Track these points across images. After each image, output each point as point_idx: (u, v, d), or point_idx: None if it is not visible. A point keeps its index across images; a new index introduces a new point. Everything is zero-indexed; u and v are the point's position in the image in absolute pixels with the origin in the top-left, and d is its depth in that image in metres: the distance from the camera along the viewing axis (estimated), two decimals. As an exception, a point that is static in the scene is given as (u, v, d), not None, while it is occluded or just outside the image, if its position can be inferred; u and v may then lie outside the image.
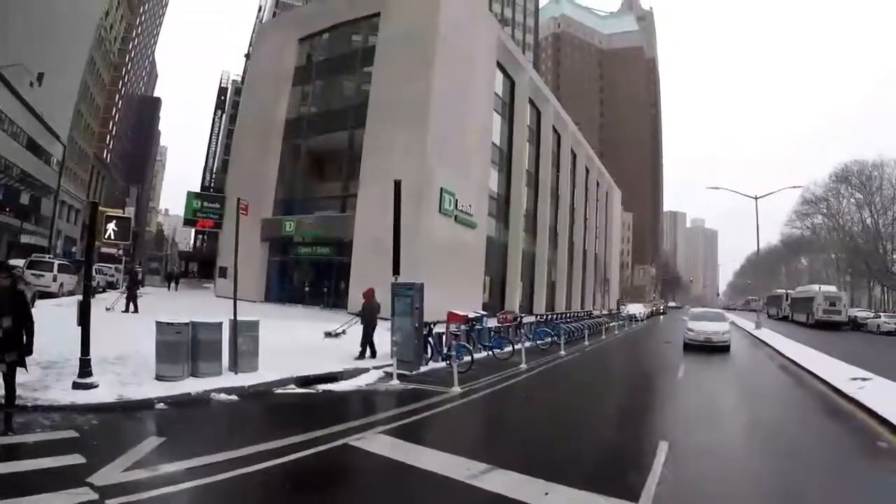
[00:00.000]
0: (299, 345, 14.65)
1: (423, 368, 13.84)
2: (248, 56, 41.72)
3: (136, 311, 20.24)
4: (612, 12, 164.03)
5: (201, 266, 63.69)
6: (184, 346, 9.50)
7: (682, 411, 11.04)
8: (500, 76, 37.48)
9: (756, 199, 39.39)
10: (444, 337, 15.89)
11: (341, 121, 31.48)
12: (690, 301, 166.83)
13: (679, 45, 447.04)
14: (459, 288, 30.04)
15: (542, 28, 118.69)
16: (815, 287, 49.59)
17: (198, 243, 78.15)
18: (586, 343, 23.70)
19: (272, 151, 32.92)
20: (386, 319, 14.90)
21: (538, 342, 20.60)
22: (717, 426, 9.63)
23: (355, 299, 26.92)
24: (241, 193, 31.79)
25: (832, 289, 49.70)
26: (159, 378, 9.24)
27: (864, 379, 13.59)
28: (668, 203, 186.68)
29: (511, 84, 39.98)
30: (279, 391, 10.24)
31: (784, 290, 64.59)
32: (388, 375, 12.49)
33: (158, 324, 9.45)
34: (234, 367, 10.33)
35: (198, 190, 57.69)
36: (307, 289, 31.37)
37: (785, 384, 15.26)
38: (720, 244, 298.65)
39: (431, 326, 15.36)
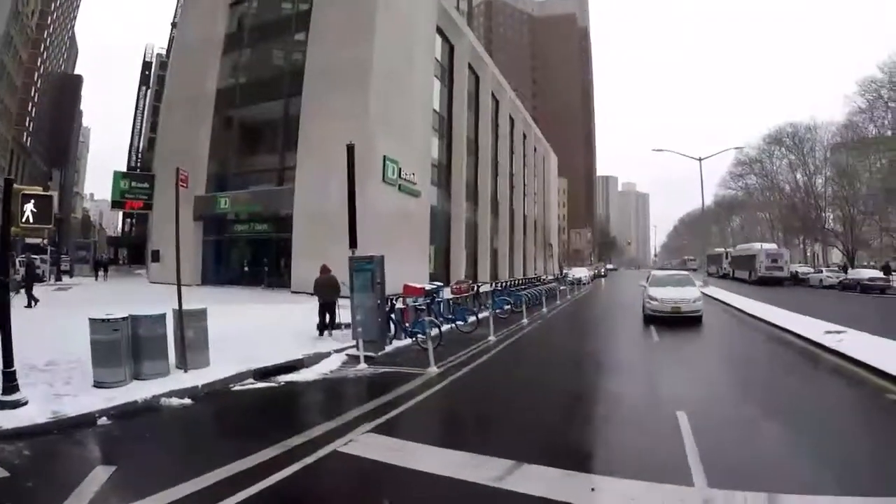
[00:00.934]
0: (246, 330, 13.38)
1: (387, 348, 12.96)
2: (174, 24, 38.85)
3: (34, 304, 19.17)
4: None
5: (131, 251, 60.92)
6: (123, 345, 8.22)
7: (679, 378, 10.54)
8: (439, 41, 36.19)
9: (700, 160, 39.99)
10: (405, 312, 14.93)
11: (276, 89, 29.69)
12: (625, 263, 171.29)
13: (611, 11, 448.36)
14: (406, 260, 29.10)
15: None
16: (757, 245, 51.36)
17: (126, 227, 74.95)
18: (544, 310, 23.15)
19: (203, 124, 30.71)
20: (344, 297, 13.95)
21: (497, 311, 19.98)
22: (721, 391, 9.41)
23: (298, 277, 25.82)
24: (171, 170, 30.00)
25: (773, 246, 51.44)
26: (98, 385, 7.99)
27: (838, 332, 13.83)
28: (601, 168, 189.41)
29: (450, 49, 38.80)
30: (237, 388, 9.12)
31: (723, 249, 66.50)
32: (353, 359, 11.61)
33: (92, 321, 8.14)
34: (183, 363, 9.14)
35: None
36: (246, 269, 29.84)
37: (764, 341, 15.17)
38: (651, 208, 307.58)
39: (393, 302, 14.38)
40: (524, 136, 62.89)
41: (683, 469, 5.29)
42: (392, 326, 13.91)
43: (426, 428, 7.42)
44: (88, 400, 7.37)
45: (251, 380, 9.57)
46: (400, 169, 28.28)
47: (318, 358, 11.44)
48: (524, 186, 62.44)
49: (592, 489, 4.94)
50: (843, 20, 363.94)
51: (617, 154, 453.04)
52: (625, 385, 10.03)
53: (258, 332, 13.65)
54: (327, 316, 14.38)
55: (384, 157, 26.98)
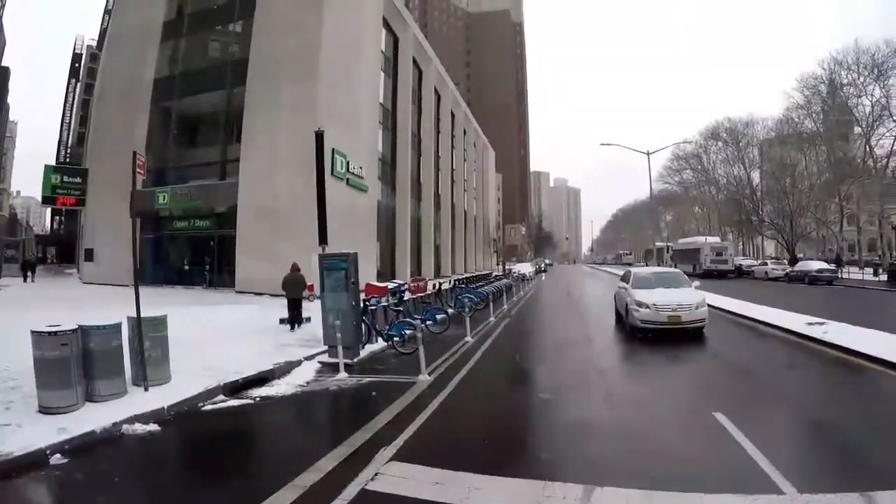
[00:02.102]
0: (199, 336, 12.07)
1: (362, 353, 11.89)
2: (108, 12, 36.19)
3: None
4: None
5: (60, 250, 57.57)
6: (74, 363, 6.93)
7: (690, 375, 10.17)
8: (384, 32, 35.10)
9: (648, 154, 40.37)
10: (374, 313, 13.87)
11: (218, 79, 27.87)
12: (558, 258, 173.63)
13: (545, 7, 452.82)
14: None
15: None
16: (701, 238, 52.63)
17: (55, 225, 71.71)
18: (505, 307, 22.55)
19: (139, 116, 28.57)
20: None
21: (461, 309, 19.16)
22: (743, 388, 9.12)
23: (243, 276, 24.44)
24: (105, 164, 28.00)
25: (717, 240, 52.73)
26: (45, 410, 6.71)
27: (819, 324, 13.96)
28: (533, 164, 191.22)
29: (395, 41, 37.80)
30: (208, 407, 7.91)
31: (664, 243, 67.77)
32: (328, 367, 10.69)
33: (35, 335, 6.82)
34: (143, 380, 7.88)
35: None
36: (186, 267, 28.03)
37: (749, 335, 14.76)
38: (583, 203, 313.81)
39: (366, 303, 13.30)
40: (464, 132, 62.58)
41: (761, 476, 5.01)
42: (365, 330, 12.82)
43: (457, 450, 6.29)
44: (35, 431, 6.05)
45: (221, 396, 8.39)
46: (348, 163, 27.14)
47: (288, 367, 10.36)
48: (465, 182, 62.18)
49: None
50: (788, 20, 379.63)
51: (549, 150, 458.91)
52: (636, 384, 9.54)
53: (213, 337, 12.42)
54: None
55: (333, 150, 25.71)
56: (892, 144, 47.10)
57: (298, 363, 10.72)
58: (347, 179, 27.38)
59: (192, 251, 28.57)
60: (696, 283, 14.58)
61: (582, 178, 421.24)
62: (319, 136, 13.27)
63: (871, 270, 39.46)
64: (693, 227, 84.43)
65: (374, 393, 8.95)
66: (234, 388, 8.75)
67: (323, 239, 13.05)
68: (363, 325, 12.54)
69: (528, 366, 11.73)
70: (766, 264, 47.30)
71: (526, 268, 54.53)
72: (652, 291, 13.88)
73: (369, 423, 7.01)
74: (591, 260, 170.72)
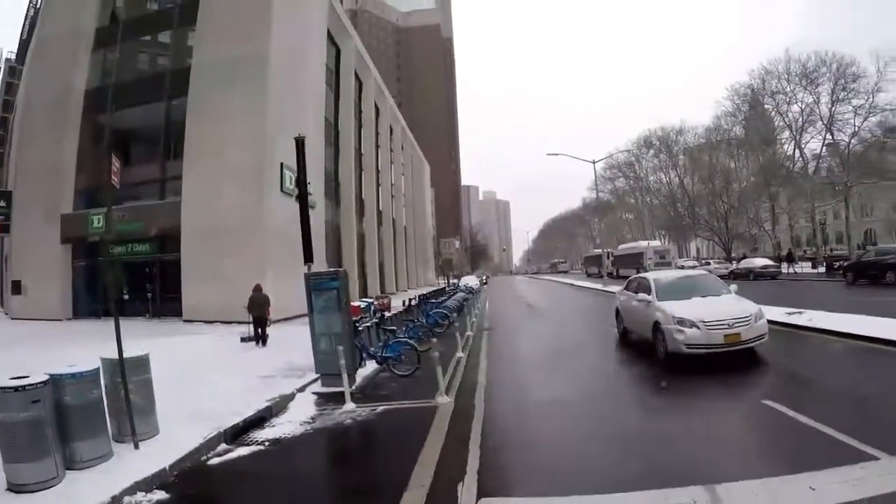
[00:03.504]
0: (166, 374, 10.56)
1: (358, 380, 10.84)
2: (30, 21, 33.38)
3: None
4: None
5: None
6: (48, 425, 5.53)
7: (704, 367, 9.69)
8: (327, 44, 33.99)
9: (594, 162, 40.86)
10: (363, 335, 12.77)
11: (156, 90, 25.80)
12: (491, 270, 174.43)
13: (475, 23, 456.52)
14: (298, 280, 26.83)
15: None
16: (644, 243, 54.24)
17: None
18: (474, 319, 21.70)
19: (69, 132, 26.00)
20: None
21: (433, 326, 18.27)
22: (773, 376, 9.39)
23: (191, 303, 22.69)
24: (29, 185, 25.52)
25: (658, 243, 54.08)
26: (17, 489, 5.31)
27: (798, 313, 14.43)
28: (463, 177, 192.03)
29: (337, 52, 36.71)
30: (215, 461, 6.64)
31: (603, 250, 68.77)
32: (326, 397, 9.68)
33: None
34: (131, 435, 6.51)
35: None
36: (126, 297, 25.48)
37: None
38: (512, 215, 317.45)
39: (356, 325, 12.21)
40: (402, 146, 62.03)
41: (845, 447, 5.33)
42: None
43: (541, 474, 5.57)
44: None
45: (224, 445, 7.15)
46: (292, 177, 25.82)
47: (283, 402, 9.20)
48: (403, 197, 61.51)
49: (812, 488, 4.49)
50: (721, 34, 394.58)
51: (477, 164, 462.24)
52: (662, 383, 9.13)
53: (182, 374, 10.94)
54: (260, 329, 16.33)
55: (282, 164, 24.37)
56: (821, 147, 49.70)
57: (292, 397, 9.56)
58: (297, 195, 26.09)
59: (131, 279, 25.96)
60: (734, 286, 11.91)
61: (510, 191, 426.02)
62: (301, 143, 12.19)
63: (808, 264, 41.50)
64: (626, 234, 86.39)
65: (397, 423, 8.12)
66: (235, 434, 7.54)
67: (308, 257, 11.89)
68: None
69: (544, 377, 10.99)
70: (708, 263, 48.63)
71: (472, 280, 54.31)
72: (689, 303, 10.69)
73: (419, 457, 6.06)
74: (526, 270, 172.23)
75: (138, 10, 28.66)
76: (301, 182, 11.95)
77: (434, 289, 40.64)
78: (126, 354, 6.82)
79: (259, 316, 16.53)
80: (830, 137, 47.08)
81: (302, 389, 10.07)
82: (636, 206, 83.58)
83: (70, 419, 5.89)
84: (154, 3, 28.49)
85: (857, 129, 44.80)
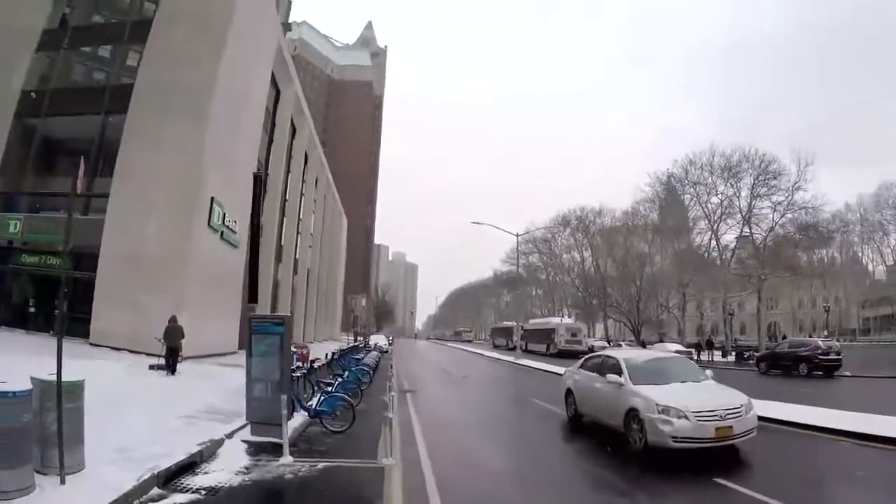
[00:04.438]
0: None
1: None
2: None
3: None
4: (348, 44, 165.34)
5: None
6: None
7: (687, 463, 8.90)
8: (269, 86, 33.66)
9: (518, 235, 41.61)
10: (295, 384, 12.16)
11: (95, 103, 24.46)
12: (395, 332, 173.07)
13: (403, 83, 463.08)
14: (221, 319, 25.71)
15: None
16: (556, 319, 54.54)
17: None
18: (393, 380, 21.12)
19: None
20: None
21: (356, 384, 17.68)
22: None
23: (100, 328, 21.23)
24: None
25: (571, 321, 54.75)
26: None
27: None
28: (376, 235, 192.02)
29: (277, 95, 36.34)
30: None
31: (513, 322, 69.33)
32: (256, 447, 9.15)
33: None
34: (59, 468, 5.82)
35: None
36: (32, 310, 23.50)
37: None
38: (420, 278, 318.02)
39: (293, 374, 11.61)
40: (325, 197, 61.49)
41: None
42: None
43: None
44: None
45: (157, 489, 6.52)
46: (224, 214, 25.00)
47: (213, 447, 8.57)
48: (320, 248, 60.56)
49: None
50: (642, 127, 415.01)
51: (389, 224, 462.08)
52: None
53: (97, 404, 10.00)
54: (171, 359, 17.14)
55: (213, 199, 23.62)
56: (736, 239, 52.33)
57: (221, 442, 8.91)
58: (222, 233, 25.18)
59: (40, 291, 24.11)
60: (710, 371, 11.00)
61: (419, 255, 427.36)
62: (258, 180, 11.80)
63: (718, 352, 42.94)
64: (533, 310, 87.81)
65: (343, 483, 7.65)
66: (168, 478, 6.91)
67: (253, 297, 11.35)
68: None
69: (487, 448, 10.71)
70: (619, 345, 49.61)
71: (381, 340, 53.86)
72: (671, 390, 9.72)
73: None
74: (429, 336, 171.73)
75: (90, 18, 27.55)
76: (255, 221, 11.51)
77: (346, 344, 39.67)
78: (71, 379, 6.21)
79: (173, 346, 17.38)
80: (748, 230, 49.30)
81: (230, 436, 9.42)
82: (547, 282, 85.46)
83: None
84: (106, 14, 27.38)
85: (774, 224, 46.97)
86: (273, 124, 36.09)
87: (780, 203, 46.78)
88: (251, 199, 31.73)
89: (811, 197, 45.58)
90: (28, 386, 5.65)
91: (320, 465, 8.30)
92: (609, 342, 57.07)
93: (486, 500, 7.38)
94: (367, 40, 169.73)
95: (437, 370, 31.72)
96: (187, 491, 6.71)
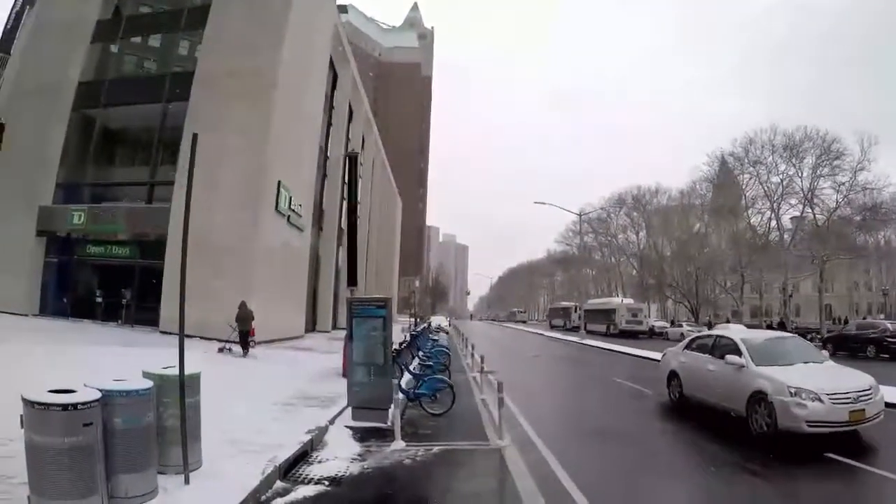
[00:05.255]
0: None
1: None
2: (30, 1, 31.82)
3: None
4: (395, 26, 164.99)
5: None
6: (98, 454, 4.49)
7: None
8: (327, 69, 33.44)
9: (580, 215, 40.69)
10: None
11: (155, 91, 24.52)
12: (446, 312, 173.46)
13: (454, 64, 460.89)
14: (288, 303, 25.78)
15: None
16: (616, 299, 53.74)
17: None
18: (467, 360, 21.15)
19: (57, 121, 24.43)
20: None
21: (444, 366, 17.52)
22: None
23: (171, 315, 21.32)
24: (9, 173, 23.97)
25: (631, 301, 53.87)
26: None
27: None
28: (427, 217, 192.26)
29: (334, 78, 36.09)
30: (278, 502, 5.71)
31: (572, 303, 68.49)
32: (362, 432, 8.83)
33: (35, 409, 4.25)
34: (183, 466, 5.45)
35: None
36: (99, 300, 23.77)
37: None
38: (470, 260, 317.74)
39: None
40: (380, 179, 61.53)
41: None
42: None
43: None
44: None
45: (280, 482, 6.18)
46: (291, 198, 24.92)
47: (320, 434, 8.25)
48: (378, 231, 60.73)
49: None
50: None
51: (440, 205, 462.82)
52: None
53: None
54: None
55: (279, 183, 23.52)
56: (798, 220, 50.65)
57: (326, 430, 8.56)
58: (289, 217, 25.13)
59: (107, 282, 24.41)
60: (825, 352, 10.70)
61: (470, 237, 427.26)
62: (353, 159, 11.31)
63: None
64: (589, 290, 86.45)
65: (463, 466, 7.43)
66: (286, 469, 6.58)
67: (352, 280, 11.02)
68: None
69: (589, 421, 10.65)
70: (681, 326, 48.53)
71: (442, 320, 53.94)
72: (798, 371, 9.15)
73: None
74: (485, 316, 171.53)
75: (144, 6, 27.76)
76: (352, 203, 11.06)
77: (408, 326, 39.51)
78: (189, 371, 5.88)
79: (245, 330, 18.16)
80: (809, 211, 47.86)
81: (332, 421, 9.08)
82: (603, 262, 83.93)
83: (117, 446, 4.82)
84: (161, 2, 27.49)
85: (837, 204, 45.57)
86: (331, 107, 35.90)
87: (842, 184, 45.25)
88: (318, 182, 32.63)
89: (874, 178, 43.95)
90: (149, 383, 5.30)
91: (435, 449, 7.97)
92: (672, 323, 55.64)
93: (620, 482, 6.97)
94: (413, 22, 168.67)
95: (504, 350, 31.30)
96: (309, 482, 6.36)
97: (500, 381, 8.84)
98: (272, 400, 10.30)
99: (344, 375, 13.64)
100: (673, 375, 12.18)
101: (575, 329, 58.28)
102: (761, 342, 10.43)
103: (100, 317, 23.26)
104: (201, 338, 19.11)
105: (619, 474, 7.35)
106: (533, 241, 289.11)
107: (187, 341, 19.05)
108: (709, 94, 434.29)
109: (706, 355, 11.09)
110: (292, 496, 5.88)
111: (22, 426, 4.33)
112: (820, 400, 8.23)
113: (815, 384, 8.48)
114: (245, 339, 18.19)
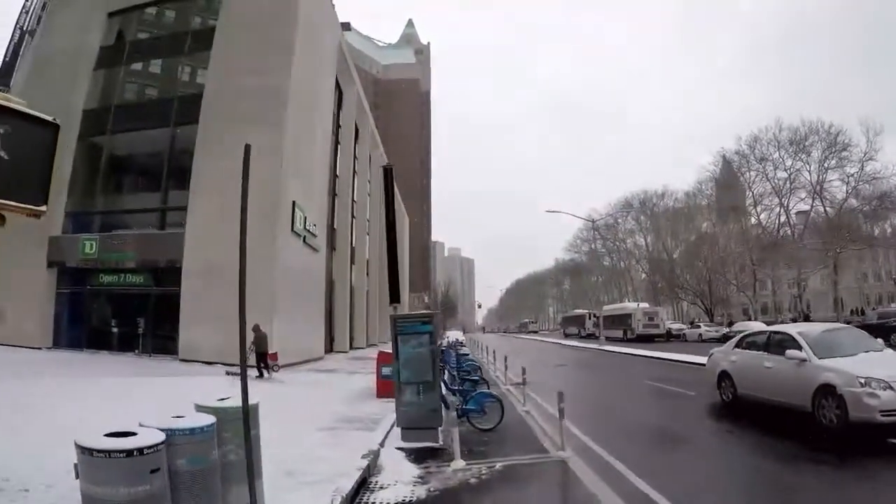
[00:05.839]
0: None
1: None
2: (24, 31, 31.83)
3: None
4: (391, 43, 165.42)
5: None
6: (165, 501, 3.99)
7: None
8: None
9: (594, 222, 40.45)
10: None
11: (162, 116, 24.25)
12: (456, 325, 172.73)
13: (452, 79, 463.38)
14: (308, 324, 25.45)
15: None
16: (632, 304, 53.50)
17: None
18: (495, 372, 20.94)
19: (62, 150, 23.89)
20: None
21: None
22: None
23: (189, 343, 21.05)
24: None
25: (647, 305, 53.55)
26: None
27: None
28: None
29: (339, 96, 35.95)
30: None
31: (585, 311, 68.24)
32: (414, 453, 8.47)
33: (87, 452, 3.73)
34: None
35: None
36: (115, 330, 23.41)
37: None
38: (476, 273, 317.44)
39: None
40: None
41: None
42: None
43: None
44: None
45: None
46: (306, 218, 24.64)
47: (374, 458, 7.82)
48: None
49: None
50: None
51: (444, 220, 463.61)
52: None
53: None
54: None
55: (294, 203, 23.26)
56: (796, 214, 50.53)
57: (377, 453, 8.14)
58: (304, 237, 24.83)
59: (121, 311, 24.03)
60: (880, 340, 10.69)
61: (475, 250, 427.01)
62: (388, 171, 10.96)
63: None
64: (600, 296, 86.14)
65: (537, 481, 7.16)
66: (350, 499, 6.20)
67: (395, 297, 10.61)
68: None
69: (643, 427, 10.46)
70: (699, 327, 48.20)
71: (458, 334, 53.81)
72: (864, 361, 9.04)
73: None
74: (496, 328, 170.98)
75: (148, 31, 27.39)
76: (390, 217, 10.70)
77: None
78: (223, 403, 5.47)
79: (262, 352, 17.94)
80: (819, 204, 47.77)
81: (381, 444, 8.71)
82: (612, 268, 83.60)
83: (181, 491, 4.28)
84: (167, 26, 27.19)
85: (847, 195, 45.50)
86: (338, 126, 35.71)
87: (851, 175, 45.63)
88: (328, 203, 32.36)
89: (881, 167, 44.48)
90: (211, 418, 4.88)
91: (498, 466, 7.61)
92: (691, 324, 55.20)
93: (703, 486, 6.68)
94: (409, 38, 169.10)
95: (527, 361, 30.55)
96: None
97: (560, 392, 8.40)
98: (315, 425, 9.90)
99: (379, 396, 13.38)
100: (724, 376, 11.90)
101: (590, 336, 58.04)
102: (819, 335, 10.25)
103: (115, 347, 22.87)
104: (224, 364, 18.80)
105: (700, 478, 7.06)
106: (538, 251, 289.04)
107: (211, 368, 18.54)
108: (711, 92, 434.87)
109: (761, 352, 10.91)
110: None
111: (77, 477, 3.82)
112: (892, 388, 8.09)
113: (885, 373, 8.34)
114: (263, 360, 18.01)
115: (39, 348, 22.39)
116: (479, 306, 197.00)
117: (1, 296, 22.39)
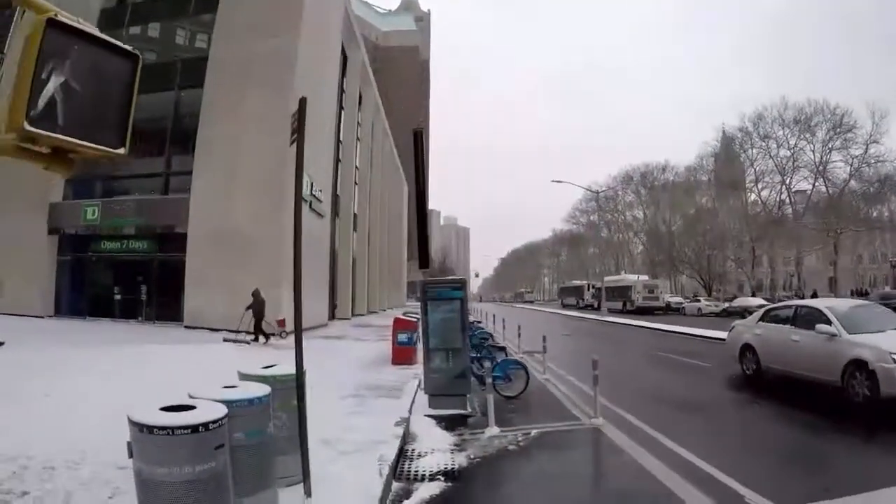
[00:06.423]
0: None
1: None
2: None
3: None
4: (391, 10, 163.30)
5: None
6: (228, 477, 3.69)
7: None
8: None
9: (597, 193, 40.25)
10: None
11: (165, 79, 23.61)
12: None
13: (452, 48, 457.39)
14: (313, 291, 25.22)
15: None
16: (632, 276, 53.84)
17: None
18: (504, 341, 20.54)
19: None
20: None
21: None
22: None
23: (194, 310, 20.91)
24: (15, 170, 23.39)
25: (647, 278, 53.79)
26: None
27: None
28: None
29: (344, 60, 35.33)
30: None
31: (584, 282, 68.49)
32: (445, 420, 8.42)
33: (145, 430, 3.39)
34: (303, 479, 4.74)
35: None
36: (118, 297, 23.23)
37: None
38: (472, 241, 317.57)
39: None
40: (388, 166, 60.95)
41: None
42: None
43: None
44: None
45: (396, 483, 5.73)
46: (312, 184, 24.30)
47: (406, 426, 7.76)
48: (388, 218, 60.30)
49: None
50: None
51: (440, 189, 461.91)
52: None
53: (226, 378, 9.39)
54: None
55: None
56: (795, 193, 50.48)
57: (408, 421, 8.05)
58: (311, 203, 24.53)
59: (124, 278, 23.79)
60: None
61: (470, 220, 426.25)
62: (419, 135, 10.70)
63: None
64: (596, 267, 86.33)
65: (575, 448, 7.33)
66: (395, 463, 6.16)
67: (424, 262, 10.49)
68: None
69: (668, 396, 10.39)
70: (698, 301, 48.44)
71: None
72: (892, 337, 8.92)
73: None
74: (493, 297, 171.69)
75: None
76: (420, 182, 10.50)
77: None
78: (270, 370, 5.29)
79: (261, 318, 18.03)
80: (822, 184, 47.83)
81: (410, 411, 8.64)
82: (610, 240, 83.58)
83: (240, 466, 3.99)
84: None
85: (850, 176, 45.58)
86: (342, 91, 35.16)
87: (855, 157, 45.79)
88: (333, 169, 31.97)
89: (885, 150, 44.75)
90: (266, 388, 4.64)
91: (533, 433, 7.62)
92: (693, 296, 55.44)
93: (742, 453, 6.77)
94: (409, 4, 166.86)
95: (532, 330, 30.78)
96: (423, 479, 5.88)
97: (595, 359, 8.29)
98: (337, 393, 9.76)
99: (394, 363, 13.33)
100: (746, 349, 11.92)
101: (588, 307, 58.26)
102: (848, 310, 10.26)
103: (118, 315, 22.77)
104: (229, 331, 18.70)
105: (735, 444, 7.25)
106: (534, 221, 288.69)
107: (217, 335, 18.26)
108: (715, 69, 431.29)
109: (787, 326, 10.85)
110: (418, 497, 5.41)
111: (130, 456, 3.52)
112: None
113: None
114: (259, 326, 17.92)
115: (41, 317, 22.24)
116: (477, 275, 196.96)
117: (0, 264, 22.20)
